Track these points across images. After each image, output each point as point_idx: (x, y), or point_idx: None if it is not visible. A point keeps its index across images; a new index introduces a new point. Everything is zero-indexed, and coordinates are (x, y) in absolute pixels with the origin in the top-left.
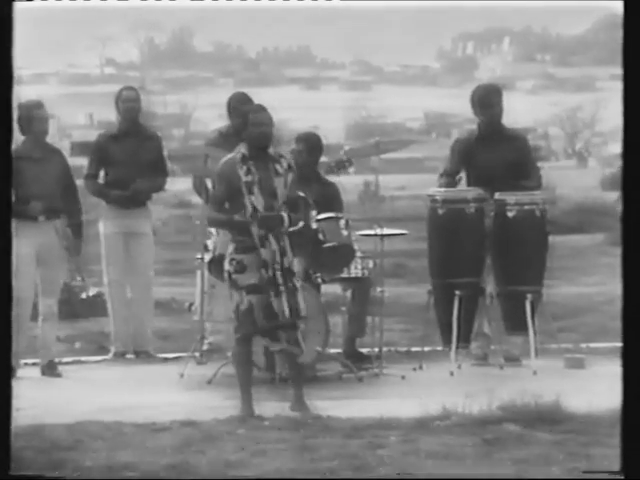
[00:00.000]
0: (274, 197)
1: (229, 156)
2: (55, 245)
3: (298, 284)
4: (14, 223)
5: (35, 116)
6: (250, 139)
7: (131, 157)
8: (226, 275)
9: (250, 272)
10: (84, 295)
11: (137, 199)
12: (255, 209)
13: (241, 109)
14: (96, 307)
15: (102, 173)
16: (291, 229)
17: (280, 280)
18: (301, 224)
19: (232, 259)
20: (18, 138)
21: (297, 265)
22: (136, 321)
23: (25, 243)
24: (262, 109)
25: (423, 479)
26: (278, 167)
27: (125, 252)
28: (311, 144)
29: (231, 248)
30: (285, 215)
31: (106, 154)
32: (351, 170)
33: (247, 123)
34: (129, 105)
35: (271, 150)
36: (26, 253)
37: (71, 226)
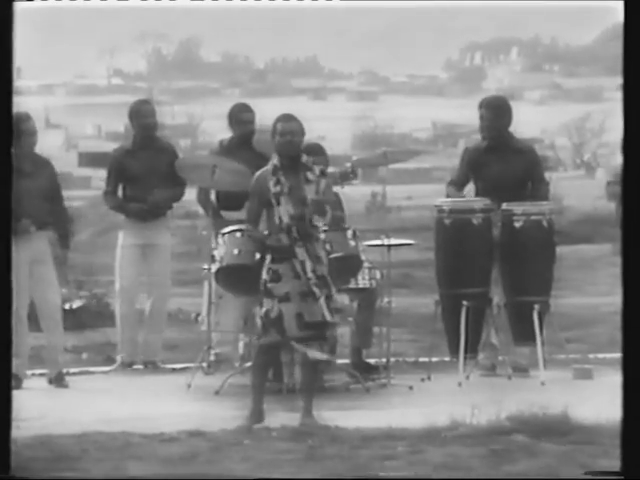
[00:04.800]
0: (304, 205)
1: (262, 170)
2: (49, 255)
3: (329, 292)
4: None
5: (24, 130)
6: (278, 148)
7: (148, 170)
8: (262, 283)
9: (285, 282)
10: (67, 306)
11: (157, 210)
12: (281, 220)
13: (242, 119)
14: (80, 319)
15: (121, 188)
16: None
17: (314, 289)
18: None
19: (269, 268)
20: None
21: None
22: (149, 332)
23: (18, 256)
24: (290, 118)
25: (423, 479)
26: (309, 174)
27: (142, 263)
28: (315, 155)
29: (268, 258)
30: (328, 208)
31: (123, 169)
32: (355, 182)
33: (275, 133)
34: (147, 121)
35: (304, 158)
36: (20, 265)
37: (58, 237)
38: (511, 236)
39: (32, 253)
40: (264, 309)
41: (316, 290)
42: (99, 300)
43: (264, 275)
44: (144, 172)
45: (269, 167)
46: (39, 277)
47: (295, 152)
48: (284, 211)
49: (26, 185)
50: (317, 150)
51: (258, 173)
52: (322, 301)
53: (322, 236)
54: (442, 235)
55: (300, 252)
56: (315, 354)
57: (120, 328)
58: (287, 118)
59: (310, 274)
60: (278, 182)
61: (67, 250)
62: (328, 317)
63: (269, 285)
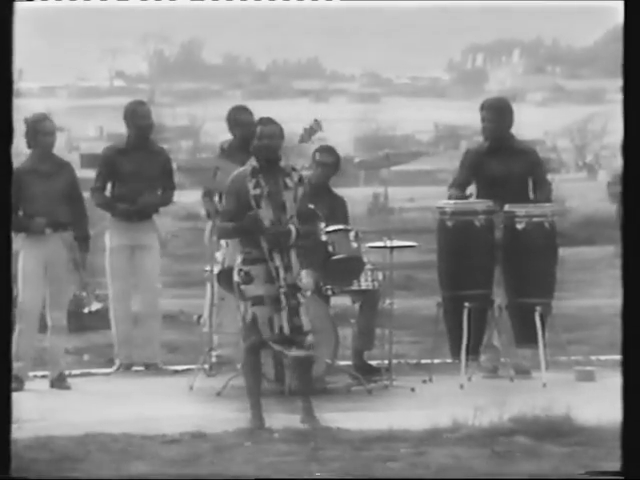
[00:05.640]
0: (283, 210)
1: (240, 169)
2: (63, 257)
3: (302, 300)
4: (22, 237)
5: (41, 130)
6: (257, 151)
7: (139, 171)
8: (235, 285)
9: (257, 284)
10: (86, 310)
11: (144, 212)
12: (262, 222)
13: (241, 121)
14: (97, 322)
15: (109, 186)
16: (300, 243)
17: (282, 297)
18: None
19: (240, 270)
20: (22, 151)
21: (305, 279)
22: (144, 333)
23: (32, 256)
24: (270, 122)
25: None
26: (288, 180)
27: (131, 265)
28: (331, 159)
29: (239, 259)
30: (293, 228)
31: (113, 167)
32: (321, 131)
33: (254, 135)
34: (143, 122)
35: (282, 163)
36: (33, 266)
37: (78, 239)
38: (513, 238)
39: (47, 254)
40: (241, 312)
41: (282, 300)
42: (101, 302)
43: (235, 277)
44: (134, 172)
45: (247, 168)
46: (52, 279)
47: (272, 156)
48: (264, 215)
49: (43, 185)
50: (330, 152)
51: (235, 173)
52: (284, 313)
53: (324, 237)
54: (444, 237)
55: (277, 257)
56: (293, 352)
57: (115, 331)
58: (266, 121)
59: (282, 282)
60: (258, 184)
61: (86, 253)
62: (286, 331)
63: (241, 287)
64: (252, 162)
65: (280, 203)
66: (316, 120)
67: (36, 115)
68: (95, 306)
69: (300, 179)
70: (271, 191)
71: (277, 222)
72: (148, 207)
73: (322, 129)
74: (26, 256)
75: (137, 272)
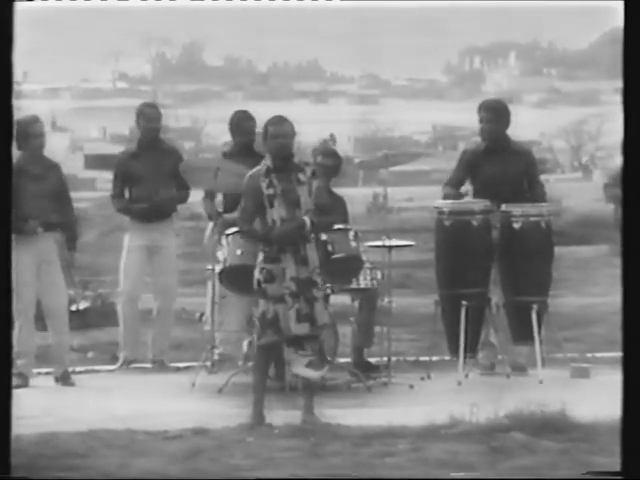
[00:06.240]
0: (297, 206)
1: (254, 170)
2: (55, 256)
3: (318, 294)
4: (13, 238)
5: (31, 132)
6: (271, 151)
7: (153, 172)
8: (255, 283)
9: (279, 282)
10: (74, 308)
11: (161, 211)
12: (275, 222)
13: (243, 128)
14: (85, 319)
15: (127, 190)
16: (318, 234)
17: (288, 298)
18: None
19: (262, 268)
20: (15, 153)
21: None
22: (156, 331)
23: (25, 256)
24: (281, 121)
25: (424, 479)
26: (301, 176)
27: (147, 265)
28: (332, 162)
29: (261, 257)
30: (307, 220)
31: (129, 172)
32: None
33: (267, 136)
34: (153, 125)
35: (296, 159)
36: (26, 265)
37: (66, 239)
38: (510, 237)
39: (39, 254)
40: (260, 310)
41: (288, 300)
42: (104, 300)
43: (257, 274)
44: (149, 174)
45: (262, 168)
46: (46, 278)
47: (287, 154)
48: (277, 214)
49: (34, 187)
50: (332, 155)
51: (250, 173)
52: (292, 312)
53: (324, 237)
54: (442, 236)
55: (284, 258)
56: (298, 370)
57: (122, 327)
58: (278, 121)
59: (288, 282)
60: (271, 184)
61: (74, 252)
62: (293, 330)
63: (263, 285)
64: (267, 162)
65: (294, 200)
66: (332, 134)
67: (27, 117)
68: (83, 305)
69: (313, 173)
70: (285, 189)
71: (291, 219)
72: (165, 204)
73: (336, 143)
74: (19, 256)
75: (155, 272)
